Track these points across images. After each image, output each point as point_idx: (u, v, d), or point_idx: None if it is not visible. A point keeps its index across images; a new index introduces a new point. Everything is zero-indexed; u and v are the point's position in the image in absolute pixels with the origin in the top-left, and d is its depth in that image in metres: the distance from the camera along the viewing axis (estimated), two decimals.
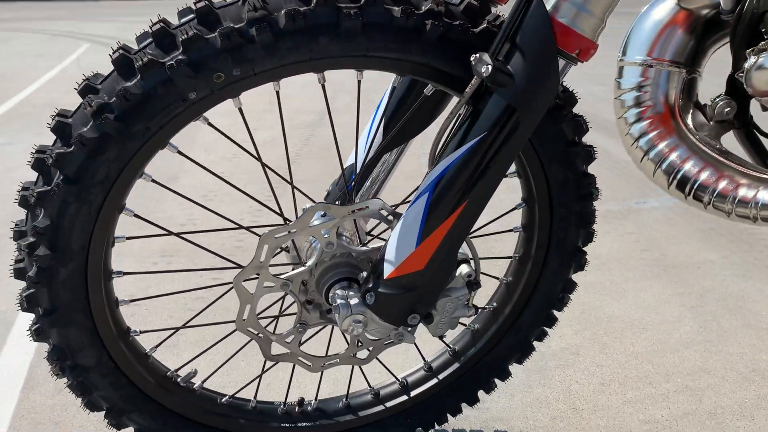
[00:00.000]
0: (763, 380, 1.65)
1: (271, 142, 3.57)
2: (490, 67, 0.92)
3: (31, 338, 1.06)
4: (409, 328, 1.16)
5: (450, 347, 1.36)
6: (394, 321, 1.06)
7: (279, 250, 1.21)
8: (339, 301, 1.06)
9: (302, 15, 0.93)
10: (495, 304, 1.33)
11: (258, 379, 1.29)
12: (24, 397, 1.58)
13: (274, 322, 1.29)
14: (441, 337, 1.14)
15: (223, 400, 1.26)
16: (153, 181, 1.01)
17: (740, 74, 1.08)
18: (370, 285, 1.06)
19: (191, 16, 0.95)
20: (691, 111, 1.30)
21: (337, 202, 1.21)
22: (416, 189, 1.02)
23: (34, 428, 1.47)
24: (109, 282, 1.07)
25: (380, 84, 1.55)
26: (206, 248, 1.19)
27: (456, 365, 1.35)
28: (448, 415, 1.39)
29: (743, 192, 1.12)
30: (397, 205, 1.12)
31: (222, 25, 0.93)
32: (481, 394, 1.36)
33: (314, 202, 1.09)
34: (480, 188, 0.97)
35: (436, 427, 1.46)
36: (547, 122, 1.10)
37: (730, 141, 1.21)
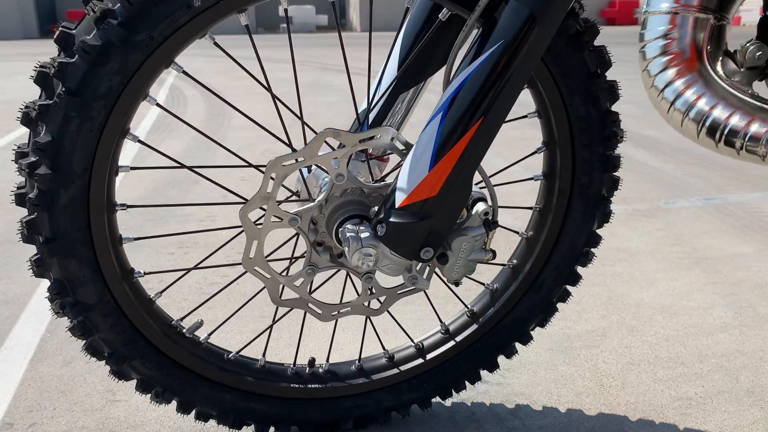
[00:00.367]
0: None
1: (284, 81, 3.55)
2: None
3: (31, 272, 1.03)
4: (424, 273, 1.10)
5: (468, 308, 1.30)
6: (407, 253, 1.00)
7: (290, 194, 1.17)
8: (349, 234, 1.01)
9: None
10: (515, 261, 1.27)
11: (268, 330, 1.24)
12: (31, 368, 1.54)
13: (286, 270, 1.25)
14: (457, 283, 1.07)
15: (230, 356, 1.21)
16: (158, 105, 0.98)
17: None
18: (382, 216, 1.00)
19: None
20: (720, 59, 1.25)
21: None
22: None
23: (39, 395, 1.43)
24: (113, 215, 1.03)
25: None
26: (214, 181, 1.15)
27: (474, 327, 1.28)
28: (467, 382, 1.31)
29: None
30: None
31: None
32: (502, 370, 1.28)
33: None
34: (497, 103, 0.92)
35: (454, 396, 1.39)
36: (569, 51, 1.06)
37: (761, 89, 1.15)
